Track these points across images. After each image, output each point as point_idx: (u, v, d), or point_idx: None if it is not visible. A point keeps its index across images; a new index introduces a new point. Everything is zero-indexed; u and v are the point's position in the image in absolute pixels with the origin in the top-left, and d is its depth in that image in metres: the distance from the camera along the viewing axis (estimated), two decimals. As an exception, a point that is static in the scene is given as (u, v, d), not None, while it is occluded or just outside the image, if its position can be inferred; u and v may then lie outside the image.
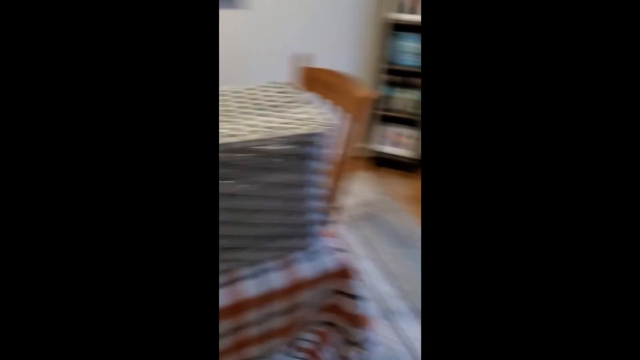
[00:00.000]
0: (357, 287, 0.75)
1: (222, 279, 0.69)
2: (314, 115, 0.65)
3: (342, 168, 0.98)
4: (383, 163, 2.22)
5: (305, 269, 0.71)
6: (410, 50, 1.82)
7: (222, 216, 0.65)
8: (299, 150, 0.62)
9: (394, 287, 1.40)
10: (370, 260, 1.52)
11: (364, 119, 0.84)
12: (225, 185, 0.62)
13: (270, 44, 1.70)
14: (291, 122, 0.63)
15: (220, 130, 0.61)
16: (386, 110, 2.00)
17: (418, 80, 1.96)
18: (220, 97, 0.75)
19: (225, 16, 1.53)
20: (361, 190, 2.00)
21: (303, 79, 1.19)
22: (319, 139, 0.63)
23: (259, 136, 0.59)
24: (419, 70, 1.88)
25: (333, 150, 1.11)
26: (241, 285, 0.68)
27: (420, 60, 1.86)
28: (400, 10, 1.76)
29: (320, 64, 1.82)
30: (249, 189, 0.63)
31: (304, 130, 0.61)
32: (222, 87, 0.79)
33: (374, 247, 1.60)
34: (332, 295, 0.78)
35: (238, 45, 1.64)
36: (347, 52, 1.91)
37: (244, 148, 0.59)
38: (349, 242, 1.62)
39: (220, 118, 0.66)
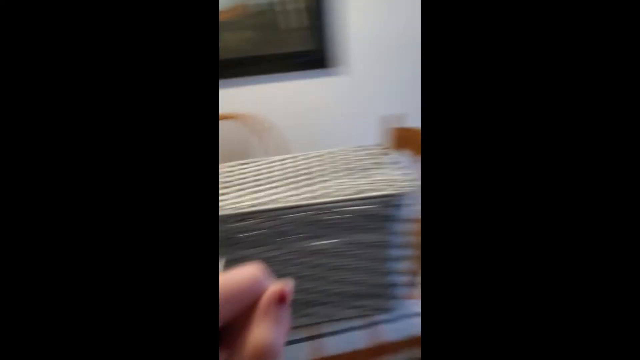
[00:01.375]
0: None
1: (304, 333, 0.72)
2: (399, 177, 0.67)
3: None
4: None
5: (390, 331, 0.70)
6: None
7: (306, 271, 0.69)
8: (382, 211, 0.64)
9: None
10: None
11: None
12: (310, 242, 0.66)
13: (361, 108, 1.74)
14: (377, 184, 0.66)
15: (312, 191, 0.67)
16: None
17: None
18: (315, 159, 0.82)
19: (316, 84, 1.58)
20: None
21: (395, 140, 1.22)
22: (402, 200, 0.64)
23: (344, 196, 0.63)
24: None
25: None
26: (323, 342, 0.70)
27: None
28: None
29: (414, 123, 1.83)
30: (333, 246, 0.67)
31: (387, 191, 0.63)
32: (320, 150, 0.87)
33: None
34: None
35: (330, 111, 1.70)
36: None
37: (329, 207, 0.63)
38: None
39: (313, 179, 0.72)
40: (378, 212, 0.64)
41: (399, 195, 0.63)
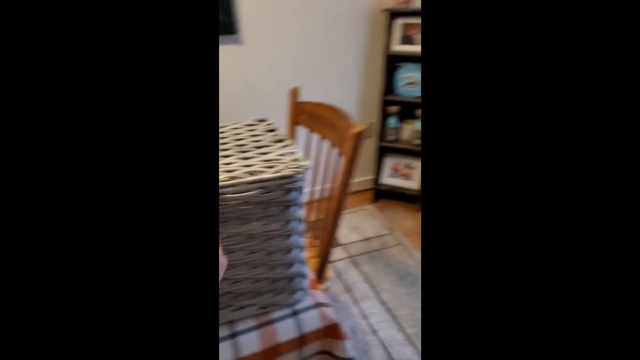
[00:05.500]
0: (346, 348, 0.66)
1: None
2: (292, 157, 0.59)
3: (336, 205, 0.91)
4: (386, 196, 2.14)
5: (286, 329, 0.63)
6: (411, 80, 1.79)
7: (194, 271, 0.57)
8: (282, 196, 0.56)
9: (397, 330, 1.29)
10: (372, 301, 1.42)
11: (354, 153, 0.78)
12: (196, 237, 0.55)
13: (266, 80, 1.68)
14: (273, 165, 0.56)
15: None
16: (389, 141, 1.95)
17: (419, 111, 1.92)
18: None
19: (220, 53, 1.51)
20: (363, 225, 1.91)
21: (294, 114, 1.14)
22: (299, 182, 0.56)
23: (237, 181, 0.52)
24: (420, 101, 1.83)
25: (314, 188, 1.05)
26: (215, 349, 0.60)
27: (421, 90, 1.83)
28: (403, 42, 1.73)
29: (320, 96, 1.79)
30: (227, 242, 0.56)
31: (287, 172, 0.54)
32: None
33: (377, 286, 1.50)
34: (317, 357, 0.69)
35: (233, 82, 1.61)
36: (350, 85, 1.88)
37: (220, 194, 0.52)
38: (349, 282, 1.53)
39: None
40: (276, 198, 0.55)
41: (296, 178, 0.55)
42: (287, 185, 0.55)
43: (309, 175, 1.70)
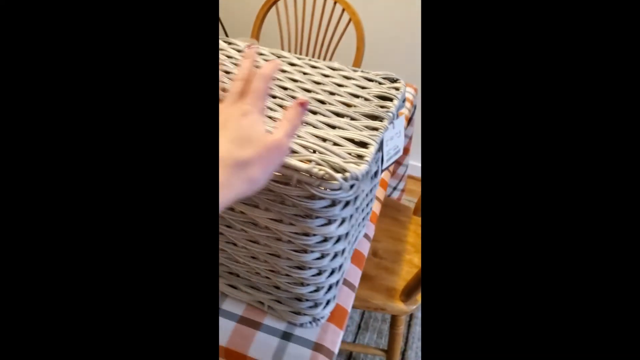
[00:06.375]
0: None
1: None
2: (366, 152, 0.37)
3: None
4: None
5: (262, 349, 0.48)
6: None
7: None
8: (301, 200, 0.36)
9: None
10: None
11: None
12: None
13: None
14: (322, 150, 0.37)
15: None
16: None
17: None
18: (306, 83, 0.52)
19: None
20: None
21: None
22: (338, 193, 0.35)
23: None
24: None
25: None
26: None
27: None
28: None
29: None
30: (226, 213, 0.43)
31: (316, 170, 0.34)
32: (333, 63, 0.56)
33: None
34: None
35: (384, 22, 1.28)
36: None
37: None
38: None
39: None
40: (288, 194, 0.37)
41: (325, 184, 0.34)
42: (309, 188, 0.35)
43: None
